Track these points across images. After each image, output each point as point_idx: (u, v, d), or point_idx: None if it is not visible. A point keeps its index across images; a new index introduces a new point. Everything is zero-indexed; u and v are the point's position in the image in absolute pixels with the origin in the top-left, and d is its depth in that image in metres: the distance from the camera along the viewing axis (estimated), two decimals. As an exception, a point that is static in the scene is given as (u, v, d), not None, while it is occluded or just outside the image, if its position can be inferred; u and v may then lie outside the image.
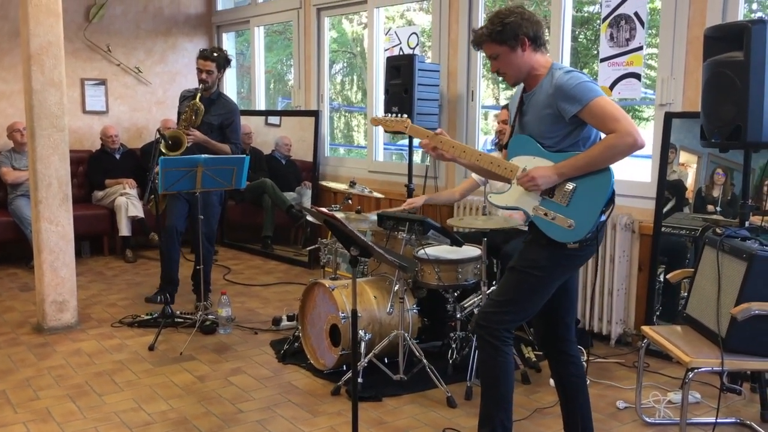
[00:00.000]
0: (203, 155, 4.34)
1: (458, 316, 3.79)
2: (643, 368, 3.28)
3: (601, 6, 4.43)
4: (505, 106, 3.99)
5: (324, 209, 2.88)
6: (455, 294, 3.83)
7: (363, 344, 3.59)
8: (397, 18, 7.81)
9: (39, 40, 4.32)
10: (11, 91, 6.74)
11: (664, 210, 4.05)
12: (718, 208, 3.85)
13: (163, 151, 4.53)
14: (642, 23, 4.22)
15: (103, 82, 7.26)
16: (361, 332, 3.59)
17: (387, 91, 5.14)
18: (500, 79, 2.80)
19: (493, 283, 3.89)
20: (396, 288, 3.66)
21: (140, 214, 6.49)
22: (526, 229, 2.97)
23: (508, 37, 2.56)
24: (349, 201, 4.44)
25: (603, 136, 2.54)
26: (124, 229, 6.48)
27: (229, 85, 7.95)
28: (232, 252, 6.99)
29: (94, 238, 6.76)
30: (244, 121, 6.80)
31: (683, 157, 4.02)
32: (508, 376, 2.66)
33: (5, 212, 6.26)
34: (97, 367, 3.94)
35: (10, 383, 3.69)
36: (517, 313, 2.66)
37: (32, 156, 4.43)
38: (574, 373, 2.78)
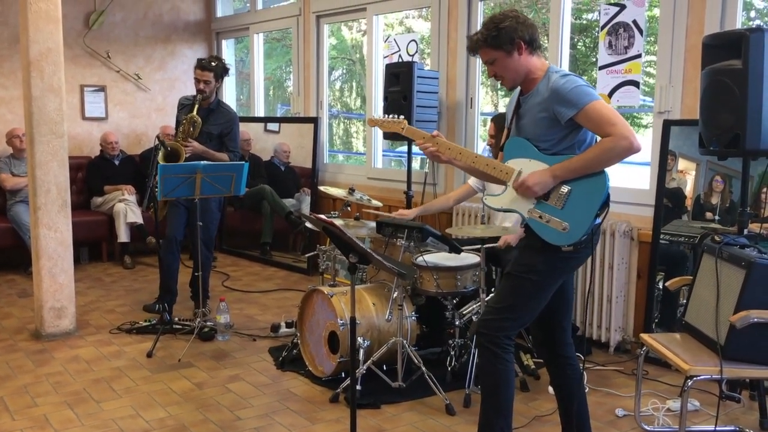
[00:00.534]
0: (202, 162, 4.34)
1: (457, 323, 3.79)
2: (642, 376, 3.27)
3: (599, 14, 4.44)
4: (493, 119, 4.00)
5: (323, 216, 2.88)
6: (454, 301, 3.83)
7: (361, 351, 3.59)
8: (396, 25, 7.83)
9: (38, 47, 4.33)
10: (11, 97, 6.75)
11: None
12: (717, 216, 3.86)
13: (160, 162, 4.51)
14: (640, 31, 4.23)
15: (102, 89, 7.27)
16: (359, 339, 3.58)
17: (386, 98, 5.14)
18: (499, 86, 2.81)
19: (492, 290, 3.89)
20: (395, 295, 3.65)
21: (139, 220, 6.48)
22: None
23: (504, 41, 2.56)
24: (348, 208, 4.44)
25: (599, 139, 2.54)
26: (123, 236, 6.48)
27: (229, 92, 7.96)
28: (231, 258, 6.99)
29: (93, 245, 6.75)
30: (244, 127, 6.81)
31: (682, 164, 4.03)
32: (508, 383, 2.66)
33: (4, 218, 6.25)
34: (95, 373, 3.93)
35: (7, 390, 3.68)
36: (516, 319, 2.66)
37: (31, 162, 4.44)
38: (571, 375, 2.79)
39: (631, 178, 4.78)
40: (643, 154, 3.96)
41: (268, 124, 7.11)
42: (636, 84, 4.27)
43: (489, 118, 4.75)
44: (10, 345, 4.39)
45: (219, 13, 7.89)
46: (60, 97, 4.43)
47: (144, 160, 6.97)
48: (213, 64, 4.77)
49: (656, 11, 4.57)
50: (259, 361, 4.14)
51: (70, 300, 4.59)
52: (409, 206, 5.10)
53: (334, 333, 3.68)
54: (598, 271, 4.24)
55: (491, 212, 4.32)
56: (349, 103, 10.41)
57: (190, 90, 4.98)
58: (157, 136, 4.63)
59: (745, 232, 3.27)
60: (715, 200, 3.88)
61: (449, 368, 3.76)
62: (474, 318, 3.81)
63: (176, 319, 4.68)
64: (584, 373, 3.74)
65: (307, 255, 5.92)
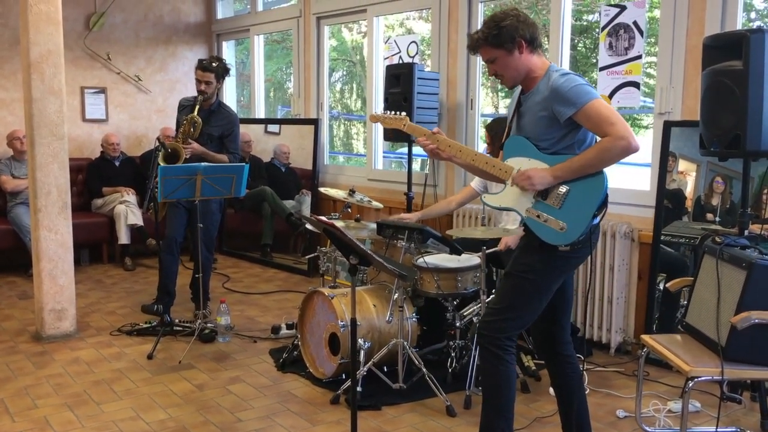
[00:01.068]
0: (203, 163, 4.34)
1: (457, 324, 3.78)
2: (642, 377, 3.27)
3: (600, 15, 4.45)
4: (487, 127, 4.01)
5: (323, 218, 2.88)
6: (454, 302, 3.83)
7: (362, 353, 3.58)
8: (396, 26, 7.84)
9: (39, 49, 4.33)
10: (11, 99, 6.75)
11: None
12: (718, 217, 3.85)
13: (161, 162, 4.51)
14: (641, 32, 4.23)
15: (102, 91, 7.27)
16: (360, 341, 3.58)
17: (386, 100, 5.15)
18: (499, 87, 2.81)
19: (493, 291, 3.89)
20: (395, 296, 3.65)
21: (139, 222, 6.48)
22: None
23: (505, 40, 2.56)
24: (349, 209, 4.44)
25: (598, 139, 2.54)
26: (123, 237, 6.48)
27: (229, 94, 7.96)
28: (232, 260, 6.99)
29: (93, 246, 6.75)
30: (244, 129, 6.81)
31: (682, 165, 4.03)
32: (510, 385, 2.65)
33: (4, 220, 6.25)
34: (95, 375, 3.93)
35: (8, 392, 3.68)
36: (516, 320, 2.65)
37: (32, 164, 4.44)
38: (571, 374, 2.79)
39: (631, 180, 4.78)
40: (644, 155, 3.97)
41: (269, 126, 7.11)
42: (636, 85, 4.27)
43: (490, 119, 4.76)
44: (10, 347, 4.39)
45: (219, 15, 7.90)
46: (60, 99, 4.43)
47: (144, 161, 6.97)
48: (214, 64, 4.77)
49: (657, 12, 4.58)
50: (260, 362, 4.14)
51: (71, 302, 4.59)
52: (409, 207, 5.10)
53: (334, 334, 3.67)
54: (598, 273, 4.24)
55: (495, 214, 4.33)
56: (350, 105, 10.42)
57: (191, 92, 4.98)
58: (158, 138, 4.63)
59: (746, 233, 3.27)
60: (715, 201, 3.87)
61: (450, 369, 3.75)
62: (474, 319, 3.81)
63: (177, 320, 4.68)
64: (585, 374, 3.75)
65: (307, 256, 5.91)
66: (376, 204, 4.36)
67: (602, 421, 3.37)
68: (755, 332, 2.68)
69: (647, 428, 3.26)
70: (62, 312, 4.54)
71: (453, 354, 3.79)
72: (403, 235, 3.79)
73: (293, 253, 6.70)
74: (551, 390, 3.22)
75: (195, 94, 4.84)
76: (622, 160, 2.52)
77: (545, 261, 2.59)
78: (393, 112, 3.01)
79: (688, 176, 4.00)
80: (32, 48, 4.32)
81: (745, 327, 2.66)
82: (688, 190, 3.99)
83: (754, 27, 3.29)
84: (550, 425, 3.29)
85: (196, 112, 4.73)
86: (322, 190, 4.59)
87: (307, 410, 3.48)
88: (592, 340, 4.33)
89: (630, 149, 2.45)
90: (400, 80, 4.98)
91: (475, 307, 3.90)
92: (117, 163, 6.93)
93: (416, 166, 5.87)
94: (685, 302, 3.24)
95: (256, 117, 7.42)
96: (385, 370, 3.74)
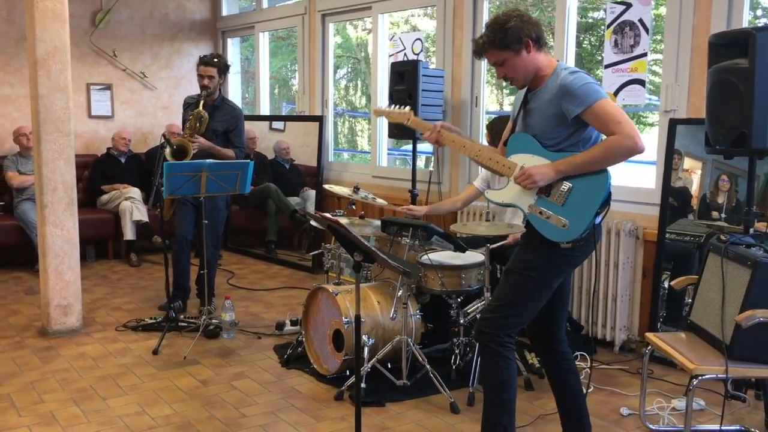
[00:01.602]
0: (208, 160, 4.35)
1: (461, 321, 3.79)
2: (647, 375, 3.27)
3: (605, 12, 4.44)
4: (488, 127, 4.01)
5: (328, 214, 2.88)
6: (458, 300, 3.83)
7: (366, 349, 3.59)
8: (401, 24, 7.83)
9: (45, 45, 4.34)
10: (17, 95, 6.77)
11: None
12: (723, 215, 3.85)
13: (168, 159, 4.54)
14: (646, 30, 4.22)
15: (108, 87, 7.29)
16: (364, 337, 3.59)
17: (391, 97, 5.14)
18: (504, 84, 2.81)
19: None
20: (399, 293, 3.66)
21: (144, 218, 6.50)
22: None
23: (511, 41, 2.56)
24: (353, 206, 4.44)
25: (603, 137, 2.54)
26: (129, 233, 6.50)
27: (234, 90, 7.97)
28: (236, 256, 7.00)
29: (99, 242, 6.77)
30: (249, 126, 6.82)
31: (688, 163, 4.02)
32: (511, 381, 2.66)
33: (11, 216, 6.28)
34: (101, 370, 3.94)
35: (14, 386, 3.70)
36: (517, 317, 2.66)
37: (38, 160, 4.45)
38: (567, 369, 2.79)
39: (636, 177, 4.77)
40: (649, 153, 3.96)
41: (273, 123, 7.12)
42: (642, 83, 4.26)
43: (494, 117, 4.75)
44: (16, 342, 4.41)
45: (225, 12, 7.90)
46: (67, 96, 4.45)
47: (150, 158, 6.99)
48: (215, 59, 4.84)
49: (662, 10, 4.56)
50: (264, 358, 4.15)
51: (77, 297, 4.61)
52: (413, 205, 5.10)
53: (338, 331, 3.68)
54: (603, 270, 4.24)
55: (499, 209, 4.33)
56: (354, 102, 10.41)
57: (197, 88, 5.00)
58: (163, 134, 4.65)
59: (751, 231, 3.26)
60: (721, 199, 3.87)
61: (454, 366, 3.76)
62: (478, 317, 3.81)
63: (182, 316, 4.70)
64: (590, 370, 3.75)
65: (311, 253, 5.92)
66: (380, 201, 4.36)
67: (606, 419, 3.37)
68: (760, 331, 2.67)
69: (651, 426, 3.26)
70: (68, 307, 4.56)
71: (457, 351, 3.80)
72: (408, 232, 3.80)
73: (297, 249, 6.71)
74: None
75: (199, 91, 4.87)
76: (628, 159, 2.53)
77: (546, 258, 2.59)
78: (397, 106, 3.02)
79: (693, 174, 4.00)
80: (38, 45, 4.33)
81: (749, 325, 2.66)
82: (694, 188, 3.99)
83: (761, 25, 3.28)
84: (554, 423, 3.28)
85: (201, 108, 4.77)
86: (326, 187, 4.59)
87: (311, 406, 3.49)
88: (597, 337, 4.32)
89: (636, 149, 2.45)
90: (405, 77, 4.98)
91: (479, 305, 3.90)
92: (123, 160, 6.95)
93: (420, 163, 5.87)
94: (690, 300, 3.24)
95: (261, 114, 7.43)
96: (389, 366, 3.75)
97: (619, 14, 4.32)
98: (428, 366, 3.54)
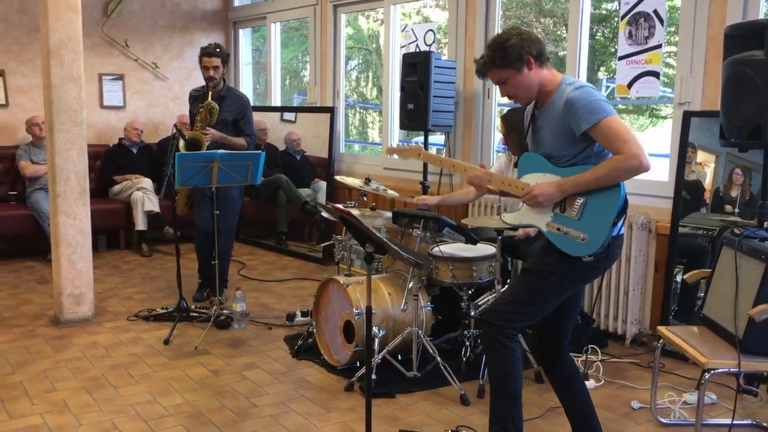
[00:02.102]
0: (219, 150, 4.36)
1: (472, 313, 3.78)
2: (658, 368, 3.26)
3: (619, 3, 4.40)
4: (503, 118, 3.98)
5: (339, 206, 2.88)
6: (469, 292, 3.83)
7: (377, 341, 3.60)
8: (413, 14, 7.80)
9: (58, 35, 4.36)
10: (30, 85, 6.80)
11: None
12: (736, 209, 3.82)
13: (183, 151, 4.55)
14: (661, 21, 4.18)
15: (120, 78, 7.31)
16: (375, 329, 3.59)
17: (403, 88, 5.13)
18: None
19: (508, 281, 3.88)
20: (410, 285, 3.65)
21: (156, 208, 6.52)
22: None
23: (513, 59, 2.55)
24: (364, 198, 4.44)
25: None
26: (140, 224, 6.53)
27: (245, 81, 7.98)
28: (247, 247, 7.02)
29: (111, 232, 6.80)
30: (261, 116, 6.83)
31: (701, 156, 3.99)
32: (517, 373, 2.66)
33: (23, 206, 6.32)
34: (113, 359, 3.97)
35: (27, 375, 3.73)
36: (526, 314, 2.66)
37: (50, 150, 4.47)
38: (572, 375, 2.77)
39: (650, 170, 4.73)
40: (663, 146, 3.93)
41: (285, 114, 7.12)
42: (656, 75, 4.22)
43: (506, 109, 4.73)
44: (29, 331, 4.44)
45: (236, 2, 7.89)
46: (79, 86, 4.46)
47: (161, 148, 7.01)
48: (218, 49, 4.85)
49: (677, 1, 4.52)
50: (275, 349, 4.16)
51: (89, 287, 4.64)
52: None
53: (349, 322, 3.69)
54: (615, 264, 4.21)
55: (511, 202, 4.31)
56: (366, 93, 10.40)
57: (206, 80, 5.00)
58: (175, 125, 4.66)
59: (765, 225, 3.23)
60: (734, 193, 3.84)
61: (464, 359, 3.76)
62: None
63: (193, 306, 4.72)
64: (599, 364, 3.73)
65: (322, 245, 5.93)
66: (391, 193, 4.36)
67: (617, 412, 3.36)
68: (773, 325, 2.66)
69: (662, 420, 3.25)
70: (80, 297, 4.59)
71: (467, 343, 3.80)
72: (419, 224, 3.79)
73: (308, 241, 6.72)
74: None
75: (205, 84, 4.89)
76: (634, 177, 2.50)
77: (567, 267, 2.58)
78: (406, 143, 3.13)
79: (707, 167, 3.97)
80: (51, 34, 4.34)
81: (762, 319, 2.64)
82: (707, 182, 3.96)
83: (777, 16, 3.25)
84: (564, 415, 3.28)
85: (210, 99, 4.78)
86: (337, 178, 4.59)
87: (321, 397, 3.50)
88: (608, 331, 4.31)
89: (641, 168, 2.44)
90: (417, 69, 4.97)
91: (489, 297, 3.89)
92: (135, 150, 6.97)
93: (432, 155, 5.84)
94: (702, 294, 3.22)
95: (272, 105, 7.43)
96: (400, 358, 3.75)
97: (633, 5, 4.28)
98: (438, 358, 3.54)
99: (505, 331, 2.63)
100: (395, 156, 3.29)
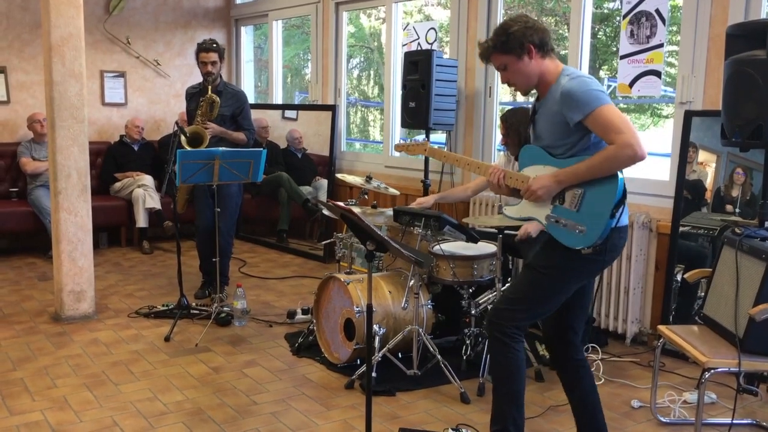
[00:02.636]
0: (221, 148, 4.37)
1: (473, 312, 3.79)
2: (658, 368, 3.26)
3: (621, 2, 4.39)
4: (502, 118, 3.98)
5: (341, 203, 2.89)
6: (470, 290, 3.83)
7: (377, 339, 3.60)
8: (415, 13, 7.79)
9: (60, 32, 4.36)
10: (31, 81, 6.81)
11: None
12: (737, 209, 3.82)
13: (185, 147, 4.56)
14: (663, 20, 4.18)
15: (122, 75, 7.31)
16: (375, 327, 3.59)
17: (404, 86, 5.13)
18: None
19: (509, 280, 3.88)
20: (411, 283, 3.66)
21: (157, 206, 6.53)
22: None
23: (513, 46, 2.55)
24: (365, 196, 4.44)
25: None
26: (142, 221, 6.53)
27: (247, 79, 7.98)
28: (248, 245, 7.02)
29: (112, 229, 6.81)
30: (262, 114, 6.84)
31: (702, 156, 3.99)
32: (519, 372, 2.66)
33: (25, 202, 6.32)
34: (113, 356, 3.97)
35: (28, 371, 3.74)
36: (529, 312, 2.65)
37: (52, 147, 4.48)
38: (582, 375, 2.76)
39: (650, 170, 4.73)
40: (664, 145, 3.93)
41: (286, 112, 7.12)
42: (657, 74, 4.22)
43: (508, 107, 4.73)
44: (30, 327, 4.45)
45: (238, 0, 7.89)
46: (81, 83, 4.46)
47: (162, 146, 7.01)
48: (215, 45, 4.87)
49: (679, 0, 4.52)
50: (275, 347, 4.17)
51: (90, 284, 4.64)
52: (426, 195, 5.09)
53: (350, 320, 3.69)
54: (615, 262, 4.22)
55: (512, 200, 4.31)
56: (367, 92, 10.38)
57: (210, 76, 5.01)
58: (176, 122, 4.66)
59: (766, 224, 3.23)
60: (735, 192, 3.84)
61: (464, 357, 3.76)
62: (490, 308, 3.81)
63: (194, 304, 4.73)
64: (600, 363, 3.74)
65: (323, 242, 5.93)
66: (392, 191, 4.36)
67: (617, 411, 3.36)
68: (774, 324, 2.66)
69: (662, 419, 3.25)
70: (81, 293, 4.60)
71: (468, 341, 3.80)
72: (420, 222, 3.79)
73: (309, 238, 6.72)
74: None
75: (202, 80, 4.90)
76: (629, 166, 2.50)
77: (567, 261, 2.58)
78: (414, 139, 3.21)
79: (708, 167, 3.97)
80: (53, 31, 4.34)
81: (763, 319, 2.64)
82: (708, 181, 3.96)
83: (779, 16, 3.24)
84: (564, 414, 3.28)
85: (211, 93, 4.79)
86: (338, 176, 4.60)
87: (321, 395, 3.50)
88: (608, 330, 4.31)
89: (636, 158, 2.42)
90: (419, 67, 4.97)
91: (490, 295, 3.90)
92: (136, 148, 6.97)
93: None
94: (703, 293, 3.22)
95: (274, 103, 7.43)
96: (400, 356, 3.76)
97: (635, 4, 4.28)
98: (439, 356, 3.55)
99: (508, 330, 2.63)
100: (402, 153, 3.32)
